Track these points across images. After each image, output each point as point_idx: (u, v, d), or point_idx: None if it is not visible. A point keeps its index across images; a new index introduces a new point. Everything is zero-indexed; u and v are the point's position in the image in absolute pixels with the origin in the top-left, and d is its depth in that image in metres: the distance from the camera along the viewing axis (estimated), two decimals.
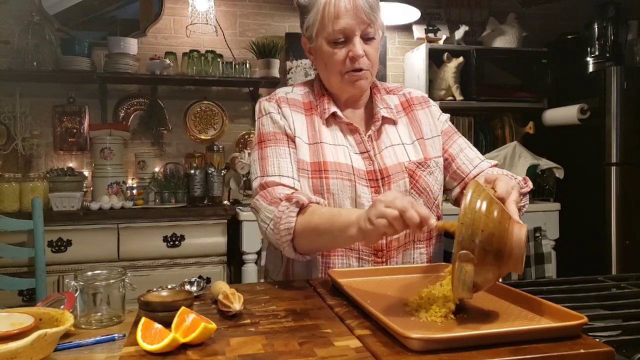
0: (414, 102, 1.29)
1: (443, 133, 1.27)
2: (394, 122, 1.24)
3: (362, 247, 1.14)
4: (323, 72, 1.21)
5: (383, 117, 1.22)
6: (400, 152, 1.20)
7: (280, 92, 1.26)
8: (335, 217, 0.99)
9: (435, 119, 1.28)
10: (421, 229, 0.84)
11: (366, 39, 1.15)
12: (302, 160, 1.15)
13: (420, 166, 1.19)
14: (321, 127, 1.19)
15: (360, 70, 1.16)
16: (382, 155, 1.19)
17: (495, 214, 0.75)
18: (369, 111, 1.26)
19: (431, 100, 1.32)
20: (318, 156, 1.15)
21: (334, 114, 1.20)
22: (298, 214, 1.04)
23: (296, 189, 1.12)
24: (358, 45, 1.13)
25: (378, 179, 1.16)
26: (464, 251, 0.72)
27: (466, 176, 1.23)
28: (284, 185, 1.12)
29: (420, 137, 1.23)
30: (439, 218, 1.24)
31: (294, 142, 1.17)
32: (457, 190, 1.25)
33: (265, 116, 1.22)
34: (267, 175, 1.14)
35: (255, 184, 1.17)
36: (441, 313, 0.77)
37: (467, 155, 1.25)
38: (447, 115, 1.31)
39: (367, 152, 1.18)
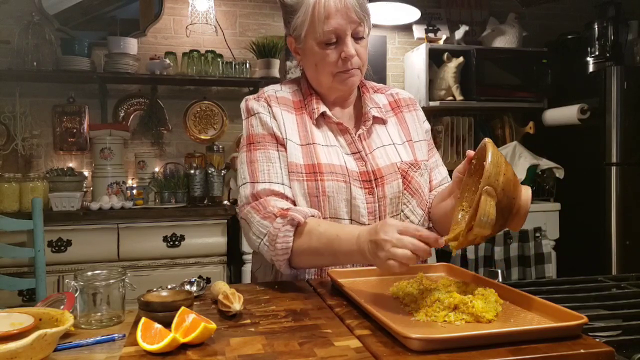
0: (402, 104, 1.29)
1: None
2: (383, 122, 1.24)
3: None
4: (312, 72, 1.19)
5: (373, 117, 1.21)
6: (392, 153, 1.19)
7: (269, 90, 1.23)
8: (335, 243, 0.98)
9: (421, 123, 1.29)
10: (429, 253, 0.84)
11: (357, 38, 1.14)
12: (295, 163, 1.12)
13: (412, 167, 1.19)
14: (312, 127, 1.17)
15: (352, 69, 1.15)
16: (373, 155, 1.18)
17: (510, 169, 0.80)
18: (357, 110, 1.25)
19: (418, 104, 1.33)
20: (312, 158, 1.13)
21: (323, 114, 1.18)
22: (294, 233, 1.04)
23: (287, 196, 1.10)
24: (350, 46, 1.12)
25: (371, 180, 1.14)
26: (490, 187, 0.76)
27: (433, 190, 1.26)
28: (275, 193, 1.10)
29: (410, 139, 1.24)
30: (430, 219, 1.25)
31: (282, 145, 1.15)
32: None
33: (254, 116, 1.20)
34: (257, 182, 1.11)
35: (244, 191, 1.13)
36: (441, 313, 0.77)
37: (440, 171, 1.29)
38: (429, 126, 1.33)
39: (359, 152, 1.17)
